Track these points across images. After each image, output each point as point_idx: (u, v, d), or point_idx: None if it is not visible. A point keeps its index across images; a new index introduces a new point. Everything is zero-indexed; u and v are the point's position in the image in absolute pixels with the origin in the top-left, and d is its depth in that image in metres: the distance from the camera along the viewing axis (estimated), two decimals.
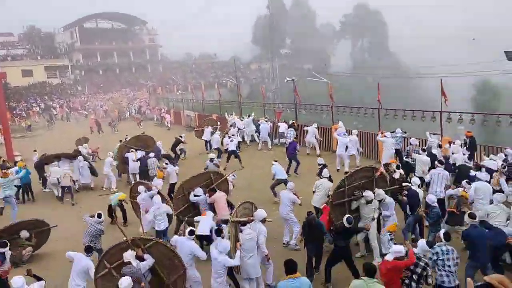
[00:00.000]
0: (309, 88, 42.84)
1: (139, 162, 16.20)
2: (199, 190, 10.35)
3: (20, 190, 15.32)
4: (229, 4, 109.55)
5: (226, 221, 8.84)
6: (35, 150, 18.97)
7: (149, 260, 7.05)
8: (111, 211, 12.19)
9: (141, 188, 11.13)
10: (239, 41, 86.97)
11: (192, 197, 10.37)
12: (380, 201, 9.05)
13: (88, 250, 7.78)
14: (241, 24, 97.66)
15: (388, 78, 43.21)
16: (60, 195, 15.55)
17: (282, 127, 21.03)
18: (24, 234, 10.48)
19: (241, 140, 21.29)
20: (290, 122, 20.48)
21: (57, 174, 15.46)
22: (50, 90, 62.36)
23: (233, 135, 19.69)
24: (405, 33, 70.89)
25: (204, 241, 9.29)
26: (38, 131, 35.95)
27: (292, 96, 24.04)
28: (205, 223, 9.16)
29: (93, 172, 16.90)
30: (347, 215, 8.09)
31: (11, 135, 24.61)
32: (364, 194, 9.00)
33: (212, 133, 21.65)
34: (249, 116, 23.46)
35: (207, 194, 10.29)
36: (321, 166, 11.70)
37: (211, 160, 14.13)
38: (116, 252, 7.13)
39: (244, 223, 7.87)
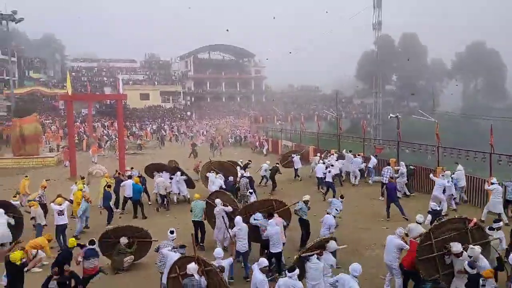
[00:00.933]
0: (414, 127, 40.78)
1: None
2: (258, 215, 10.66)
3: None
4: (335, 41, 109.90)
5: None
6: (132, 168, 20.37)
7: (204, 283, 7.58)
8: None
9: (217, 200, 11.60)
10: (342, 76, 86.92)
11: (252, 220, 10.58)
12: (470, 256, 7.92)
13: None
14: (346, 59, 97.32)
15: (504, 121, 39.42)
16: (165, 203, 17.18)
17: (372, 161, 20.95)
18: (123, 240, 11.02)
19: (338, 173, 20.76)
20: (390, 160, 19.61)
21: (163, 184, 17.11)
22: (162, 114, 67.81)
23: (332, 165, 19.39)
24: None
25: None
26: (148, 150, 38.92)
27: (394, 133, 23.04)
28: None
29: (189, 183, 18.25)
30: (467, 261, 7.51)
31: (125, 151, 27.14)
32: (452, 247, 8.04)
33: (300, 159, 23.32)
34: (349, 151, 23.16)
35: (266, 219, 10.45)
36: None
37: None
38: (185, 263, 7.90)
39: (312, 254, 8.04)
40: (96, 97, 50.94)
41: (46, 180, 16.77)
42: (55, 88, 59.33)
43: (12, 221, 12.23)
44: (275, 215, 10.40)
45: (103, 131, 47.95)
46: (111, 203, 15.39)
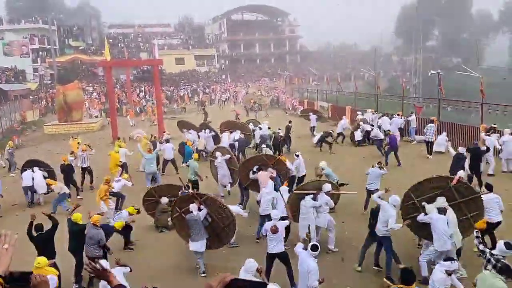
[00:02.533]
0: (457, 84, 39.20)
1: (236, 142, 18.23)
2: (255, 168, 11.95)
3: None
4: None
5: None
6: (164, 132, 21.56)
7: (204, 210, 8.87)
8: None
9: (217, 153, 13.61)
10: (380, 32, 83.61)
11: (251, 175, 11.92)
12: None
13: None
14: (384, 13, 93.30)
15: None
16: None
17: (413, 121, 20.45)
18: (164, 200, 11.47)
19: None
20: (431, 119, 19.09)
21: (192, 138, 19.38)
22: (198, 78, 68.19)
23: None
24: None
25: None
26: (185, 114, 39.55)
27: (435, 91, 22.29)
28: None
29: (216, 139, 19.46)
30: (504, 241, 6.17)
31: (163, 116, 27.83)
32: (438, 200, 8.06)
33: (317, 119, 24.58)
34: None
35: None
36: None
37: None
38: (183, 201, 9.42)
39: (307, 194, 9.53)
40: (133, 63, 51.73)
41: (85, 144, 17.23)
42: (93, 55, 60.70)
43: (46, 174, 14.19)
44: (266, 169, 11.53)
45: (139, 95, 49.02)
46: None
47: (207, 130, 19.75)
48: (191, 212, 8.87)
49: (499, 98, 26.57)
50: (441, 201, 7.95)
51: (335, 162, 15.87)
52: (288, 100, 43.38)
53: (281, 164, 12.26)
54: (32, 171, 13.93)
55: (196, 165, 13.70)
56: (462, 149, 12.83)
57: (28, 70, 54.92)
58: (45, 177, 14.00)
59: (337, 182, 11.54)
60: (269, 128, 20.46)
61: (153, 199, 11.70)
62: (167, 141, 17.68)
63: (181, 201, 9.50)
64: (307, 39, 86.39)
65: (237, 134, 18.53)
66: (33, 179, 13.74)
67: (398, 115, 21.49)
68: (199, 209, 8.91)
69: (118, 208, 12.23)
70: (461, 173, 8.89)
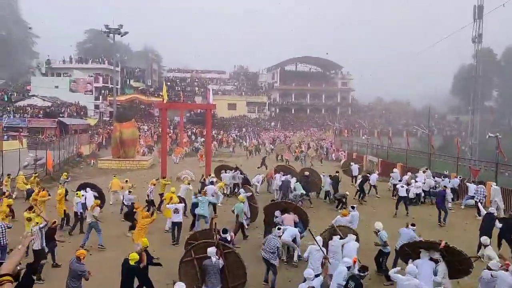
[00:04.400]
0: None
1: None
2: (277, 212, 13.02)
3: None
4: (430, 55, 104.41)
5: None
6: (209, 175, 22.05)
7: (220, 262, 8.58)
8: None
9: (241, 190, 16.66)
10: (436, 91, 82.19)
11: (275, 219, 12.81)
12: None
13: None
14: (440, 73, 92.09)
15: None
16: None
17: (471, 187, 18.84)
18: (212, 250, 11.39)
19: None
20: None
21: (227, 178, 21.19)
22: (247, 123, 69.57)
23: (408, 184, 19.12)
24: None
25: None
26: (231, 158, 40.06)
27: (492, 154, 21.26)
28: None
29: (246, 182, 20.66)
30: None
31: (211, 158, 28.35)
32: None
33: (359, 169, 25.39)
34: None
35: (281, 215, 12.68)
36: None
37: None
38: (202, 247, 8.99)
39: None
40: (188, 106, 53.84)
41: (154, 180, 18.47)
42: (151, 96, 63.82)
43: (96, 194, 15.82)
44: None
45: (190, 137, 50.48)
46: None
47: (238, 172, 21.70)
48: (209, 257, 8.55)
49: None
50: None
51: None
52: (335, 152, 43.09)
53: (300, 211, 13.15)
54: (85, 191, 15.56)
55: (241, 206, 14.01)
56: (492, 209, 13.01)
57: (89, 106, 58.42)
58: (95, 197, 15.02)
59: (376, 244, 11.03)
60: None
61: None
62: (212, 183, 17.91)
63: (198, 247, 9.18)
64: (359, 92, 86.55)
65: (279, 176, 20.11)
66: (85, 198, 14.92)
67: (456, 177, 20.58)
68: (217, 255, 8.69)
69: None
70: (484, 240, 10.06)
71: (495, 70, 78.37)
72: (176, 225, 13.53)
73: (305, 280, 8.06)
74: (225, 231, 10.38)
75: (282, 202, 14.21)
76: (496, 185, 17.89)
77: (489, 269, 7.98)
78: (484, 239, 10.21)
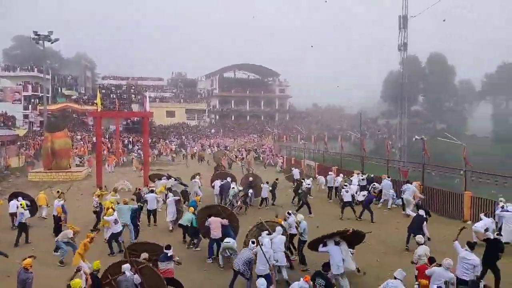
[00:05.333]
0: (440, 150, 40.02)
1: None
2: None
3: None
4: (359, 59, 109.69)
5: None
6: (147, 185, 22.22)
7: (137, 279, 8.69)
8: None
9: (170, 194, 18.09)
10: (368, 96, 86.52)
11: (206, 223, 12.82)
12: None
13: None
14: (371, 78, 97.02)
15: None
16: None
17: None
18: (144, 255, 11.05)
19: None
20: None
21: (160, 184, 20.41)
22: (187, 131, 68.84)
23: (345, 185, 19.31)
24: None
25: None
26: (173, 167, 39.43)
27: (419, 156, 22.74)
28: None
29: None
30: None
31: (149, 167, 27.72)
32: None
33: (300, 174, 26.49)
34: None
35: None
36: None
37: None
38: (117, 266, 9.07)
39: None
40: (123, 114, 52.20)
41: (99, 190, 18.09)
42: (85, 105, 61.26)
43: (28, 203, 16.25)
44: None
45: (127, 146, 49.06)
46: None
47: (172, 179, 21.15)
48: (123, 273, 8.69)
49: (483, 166, 27.16)
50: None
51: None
52: (272, 157, 43.85)
53: (234, 217, 13.35)
54: (17, 200, 16.02)
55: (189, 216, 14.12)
56: (422, 212, 13.78)
57: (18, 116, 54.91)
58: (27, 205, 15.86)
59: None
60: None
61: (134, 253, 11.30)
62: (152, 191, 17.70)
63: (114, 267, 9.21)
64: (296, 99, 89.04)
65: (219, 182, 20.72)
66: (17, 207, 15.50)
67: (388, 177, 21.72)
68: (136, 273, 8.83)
69: None
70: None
71: (420, 76, 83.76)
72: (116, 236, 13.39)
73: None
74: (168, 247, 10.05)
75: (218, 206, 14.37)
76: (422, 184, 19.26)
77: (395, 278, 8.44)
78: (419, 237, 10.80)
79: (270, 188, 20.88)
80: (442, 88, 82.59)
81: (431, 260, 9.26)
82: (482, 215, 13.82)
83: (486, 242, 10.35)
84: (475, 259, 9.06)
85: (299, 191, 20.43)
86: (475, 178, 18.63)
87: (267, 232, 10.98)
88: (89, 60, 78.67)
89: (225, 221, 12.59)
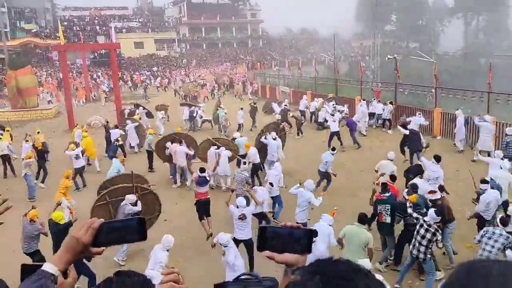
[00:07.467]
0: (413, 68, 40.38)
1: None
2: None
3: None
4: None
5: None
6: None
7: (138, 207, 8.74)
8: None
9: (128, 121, 18.64)
10: (341, 17, 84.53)
11: (167, 151, 13.62)
12: None
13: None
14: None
15: (504, 59, 38.92)
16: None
17: (379, 107, 20.35)
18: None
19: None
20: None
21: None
22: (157, 62, 66.79)
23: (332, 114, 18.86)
24: None
25: None
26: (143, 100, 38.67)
27: (393, 75, 22.90)
28: None
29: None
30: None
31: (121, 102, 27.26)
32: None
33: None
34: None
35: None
36: None
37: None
38: (118, 190, 9.06)
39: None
40: (89, 46, 49.85)
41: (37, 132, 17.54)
42: (48, 39, 58.03)
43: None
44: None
45: (96, 80, 47.58)
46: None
47: (141, 108, 23.26)
48: (126, 204, 8.68)
49: (453, 82, 27.66)
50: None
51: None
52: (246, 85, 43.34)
53: (190, 139, 14.24)
54: None
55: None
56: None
57: None
58: None
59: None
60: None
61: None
62: (116, 127, 17.70)
63: (114, 190, 9.15)
64: (269, 24, 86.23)
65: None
66: None
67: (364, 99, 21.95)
68: (136, 203, 8.82)
69: None
70: None
71: None
72: (81, 170, 13.73)
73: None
74: (202, 170, 10.13)
75: (172, 135, 14.50)
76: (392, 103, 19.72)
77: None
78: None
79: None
80: (416, 6, 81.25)
81: (393, 178, 9.50)
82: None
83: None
84: (438, 170, 9.66)
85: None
86: (445, 95, 19.03)
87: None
88: None
89: (185, 147, 13.12)
